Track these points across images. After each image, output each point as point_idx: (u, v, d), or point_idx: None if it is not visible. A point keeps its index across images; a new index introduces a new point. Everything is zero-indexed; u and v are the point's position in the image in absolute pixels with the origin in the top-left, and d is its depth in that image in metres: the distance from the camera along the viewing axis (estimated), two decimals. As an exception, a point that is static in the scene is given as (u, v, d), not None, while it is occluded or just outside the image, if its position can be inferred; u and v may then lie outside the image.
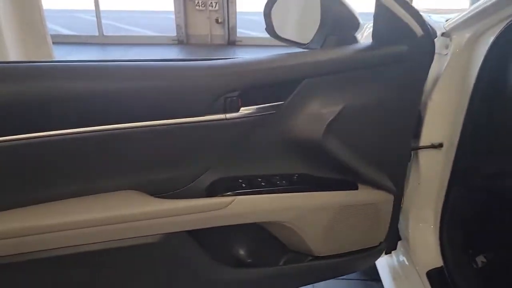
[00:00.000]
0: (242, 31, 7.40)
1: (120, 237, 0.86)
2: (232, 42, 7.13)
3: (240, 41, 7.19)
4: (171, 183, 0.92)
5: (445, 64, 1.06)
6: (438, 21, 1.14)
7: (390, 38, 0.96)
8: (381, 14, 0.96)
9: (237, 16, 7.08)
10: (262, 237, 1.05)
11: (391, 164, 1.07)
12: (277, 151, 0.98)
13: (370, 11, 1.02)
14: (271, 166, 0.99)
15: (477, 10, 0.99)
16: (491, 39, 0.98)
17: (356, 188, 1.05)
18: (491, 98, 1.04)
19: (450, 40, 1.07)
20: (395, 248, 1.25)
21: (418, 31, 0.94)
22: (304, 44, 1.09)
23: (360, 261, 1.15)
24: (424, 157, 1.14)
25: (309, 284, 1.17)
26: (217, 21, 7.01)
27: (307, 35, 1.06)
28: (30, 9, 2.40)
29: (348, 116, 0.96)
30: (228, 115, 0.90)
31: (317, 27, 1.04)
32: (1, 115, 0.77)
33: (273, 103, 0.94)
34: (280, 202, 0.97)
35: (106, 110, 0.83)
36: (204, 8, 6.94)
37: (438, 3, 5.48)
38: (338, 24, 1.03)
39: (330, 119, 0.94)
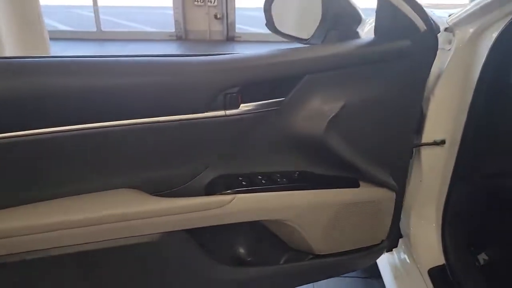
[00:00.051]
0: (241, 27, 7.39)
1: (118, 236, 0.84)
2: (231, 38, 7.11)
3: (239, 37, 7.17)
4: (169, 181, 0.91)
5: (448, 60, 1.05)
6: (441, 16, 1.12)
7: (392, 33, 0.95)
8: (384, 8, 0.95)
9: (236, 12, 7.06)
10: (262, 235, 1.04)
11: (393, 161, 1.06)
12: (277, 148, 0.96)
13: (371, 7, 1.01)
14: (271, 164, 0.98)
15: (480, 4, 0.98)
16: (495, 34, 0.97)
17: (358, 186, 1.04)
18: (494, 94, 1.03)
19: (453, 35, 1.05)
20: (396, 246, 1.24)
21: (421, 26, 0.92)
22: (305, 39, 1.08)
23: (361, 260, 1.14)
24: (426, 154, 1.13)
25: (310, 283, 1.16)
26: (216, 16, 6.99)
27: (308, 30, 1.05)
28: (27, 4, 2.38)
29: (350, 113, 0.95)
30: (228, 112, 0.89)
31: (318, 22, 1.03)
32: None
33: (274, 100, 0.92)
34: (281, 200, 0.96)
35: (102, 106, 0.81)
36: (202, 3, 6.91)
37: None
38: (340, 18, 1.02)
39: (332, 115, 0.92)
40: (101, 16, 7.11)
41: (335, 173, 1.03)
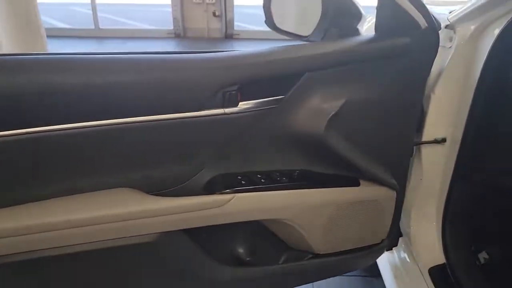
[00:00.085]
0: (239, 25, 7.37)
1: (115, 236, 0.83)
2: (229, 36, 7.10)
3: (238, 34, 7.16)
4: (168, 180, 0.90)
5: (449, 57, 1.04)
6: (442, 13, 1.11)
7: (393, 30, 0.94)
8: (385, 5, 0.94)
9: (234, 10, 7.04)
10: (261, 235, 1.03)
11: (393, 159, 1.06)
12: (277, 147, 0.96)
13: (371, 4, 1.00)
14: (271, 162, 0.97)
15: (482, 1, 0.97)
16: (497, 31, 0.96)
17: (358, 185, 1.04)
18: (496, 92, 1.02)
19: (454, 32, 1.05)
20: (396, 245, 1.24)
21: (422, 23, 0.92)
22: (305, 37, 1.07)
23: (361, 259, 1.13)
24: (427, 152, 1.12)
25: (309, 282, 1.15)
26: (214, 14, 6.97)
27: (308, 28, 1.04)
28: (24, 2, 2.37)
29: (350, 111, 0.94)
30: (227, 110, 0.87)
31: (318, 19, 1.01)
32: None
33: (273, 97, 0.91)
34: (280, 199, 0.95)
35: (100, 103, 0.80)
36: (201, 1, 6.90)
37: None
38: (340, 15, 1.01)
39: (332, 113, 0.91)
40: (99, 14, 7.08)
41: (335, 172, 1.02)
